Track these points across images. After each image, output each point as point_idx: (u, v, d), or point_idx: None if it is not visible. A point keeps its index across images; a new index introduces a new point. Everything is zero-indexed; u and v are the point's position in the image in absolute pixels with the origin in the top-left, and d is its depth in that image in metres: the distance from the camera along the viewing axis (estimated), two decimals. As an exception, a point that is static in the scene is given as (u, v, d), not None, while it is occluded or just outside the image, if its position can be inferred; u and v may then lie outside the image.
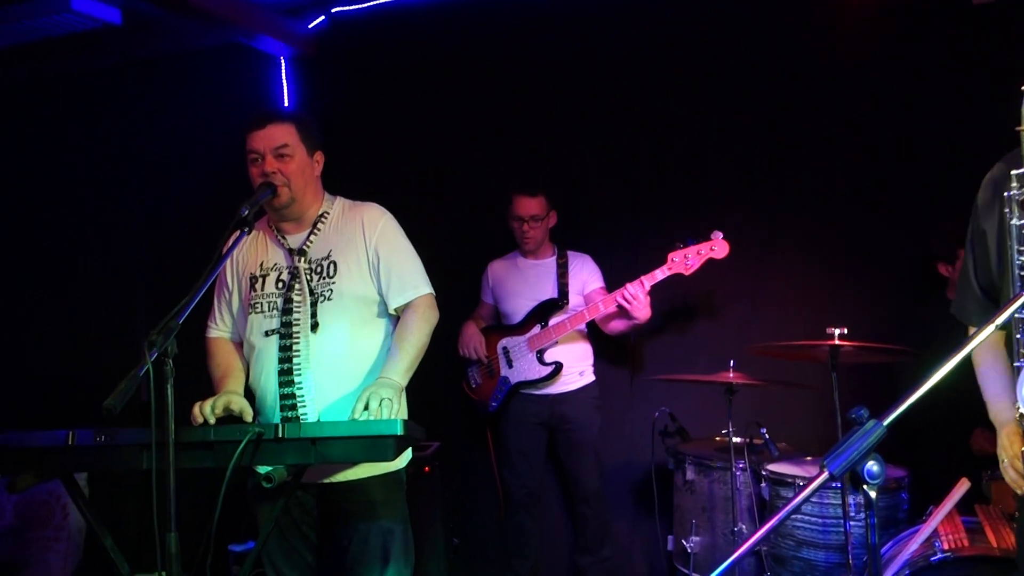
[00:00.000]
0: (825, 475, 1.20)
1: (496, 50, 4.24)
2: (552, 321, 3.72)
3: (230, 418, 2.38)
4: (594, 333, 3.88)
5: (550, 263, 3.88)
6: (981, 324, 1.28)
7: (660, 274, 3.47)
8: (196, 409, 2.36)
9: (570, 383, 3.78)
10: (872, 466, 1.21)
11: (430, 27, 4.32)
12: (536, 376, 3.75)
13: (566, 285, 3.79)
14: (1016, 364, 1.54)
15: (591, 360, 3.87)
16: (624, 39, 4.06)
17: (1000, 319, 1.30)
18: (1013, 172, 1.56)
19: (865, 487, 1.21)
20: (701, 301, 3.92)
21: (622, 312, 3.54)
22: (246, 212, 2.31)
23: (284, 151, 2.46)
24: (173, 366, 1.91)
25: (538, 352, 3.74)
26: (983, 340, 1.84)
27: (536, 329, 3.75)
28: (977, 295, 1.91)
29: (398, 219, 2.63)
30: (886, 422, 1.22)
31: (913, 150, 3.59)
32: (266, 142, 2.45)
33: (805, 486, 2.95)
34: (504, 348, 3.82)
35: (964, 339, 1.28)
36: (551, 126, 4.20)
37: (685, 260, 3.45)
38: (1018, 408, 1.51)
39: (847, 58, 3.70)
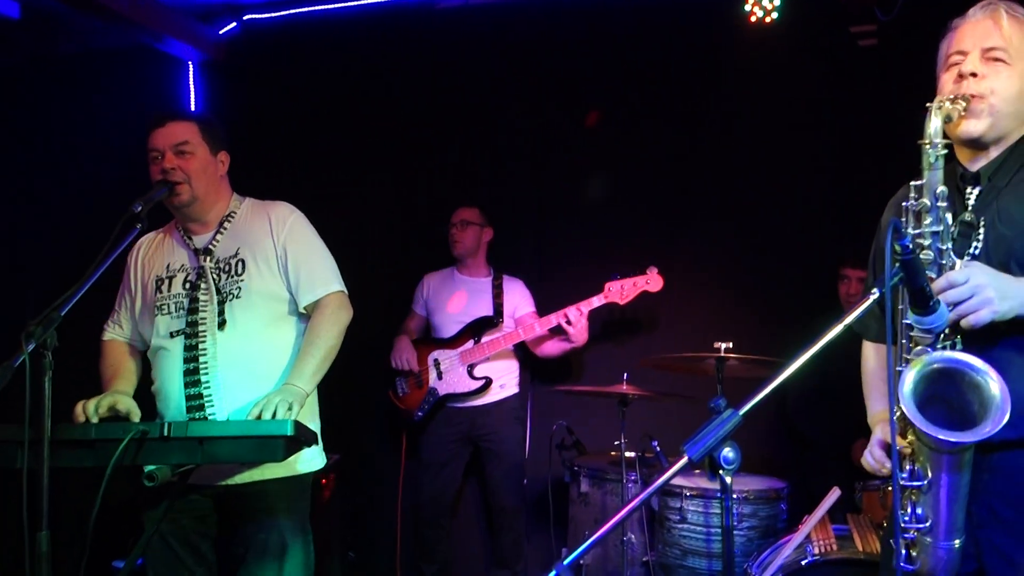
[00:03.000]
0: (684, 460, 1.27)
1: (406, 64, 4.30)
2: (485, 338, 3.82)
3: (116, 419, 2.31)
4: (520, 351, 3.98)
5: (486, 282, 3.98)
6: (832, 324, 1.37)
7: (596, 302, 3.62)
8: (79, 408, 2.28)
9: (492, 395, 3.86)
10: (728, 452, 1.28)
11: (342, 38, 4.35)
12: (465, 389, 3.83)
13: (501, 305, 3.90)
14: (898, 368, 1.65)
15: (515, 373, 3.96)
16: (529, 63, 4.20)
17: (849, 319, 1.41)
18: (912, 183, 1.67)
19: (721, 472, 1.29)
20: (598, 314, 4.03)
21: (558, 335, 3.70)
22: (139, 208, 2.26)
23: (184, 148, 2.43)
24: (52, 359, 1.86)
25: (469, 366, 3.82)
26: (872, 346, 2.00)
27: (469, 344, 3.84)
28: (875, 312, 2.03)
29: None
30: (742, 411, 1.30)
31: (800, 170, 3.82)
32: (166, 139, 2.42)
33: (691, 494, 3.04)
34: (435, 360, 3.89)
35: (814, 337, 1.38)
36: (450, 140, 4.30)
37: (621, 291, 3.62)
38: (899, 409, 1.62)
39: (740, 83, 3.92)
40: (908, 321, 1.63)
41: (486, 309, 3.89)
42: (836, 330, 1.39)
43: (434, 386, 3.87)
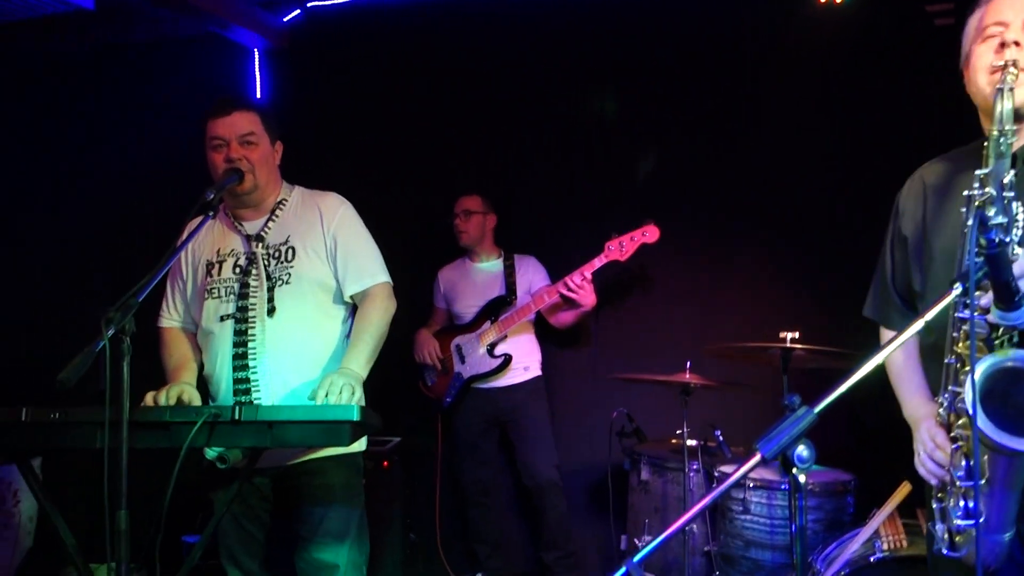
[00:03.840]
0: (757, 457, 1.25)
1: (466, 51, 4.29)
2: (501, 316, 3.89)
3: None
4: (542, 331, 4.02)
5: (497, 265, 4.06)
6: (908, 321, 1.33)
7: (598, 262, 3.66)
8: (149, 398, 2.37)
9: (516, 377, 3.94)
10: (802, 451, 1.26)
11: (404, 25, 4.36)
12: (487, 369, 3.90)
13: (514, 284, 3.97)
14: (948, 361, 1.59)
15: (537, 356, 4.02)
16: (581, 42, 4.16)
17: (930, 315, 1.36)
18: (977, 172, 1.60)
19: (795, 470, 1.26)
20: (661, 302, 4.00)
21: (568, 302, 3.75)
22: (211, 196, 2.33)
23: (250, 138, 2.48)
24: (131, 344, 1.92)
25: (489, 346, 3.90)
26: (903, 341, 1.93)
27: (487, 325, 3.93)
28: (895, 302, 1.98)
29: (362, 215, 2.65)
30: (817, 409, 1.27)
31: (868, 156, 3.70)
32: (231, 129, 2.46)
33: (755, 485, 3.00)
34: (457, 346, 3.99)
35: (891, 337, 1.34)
36: (519, 128, 4.27)
37: (620, 247, 3.65)
38: (942, 400, 1.55)
39: (805, 64, 3.79)
40: (961, 315, 1.57)
41: (499, 291, 3.97)
42: (917, 325, 1.35)
43: (459, 370, 3.97)
